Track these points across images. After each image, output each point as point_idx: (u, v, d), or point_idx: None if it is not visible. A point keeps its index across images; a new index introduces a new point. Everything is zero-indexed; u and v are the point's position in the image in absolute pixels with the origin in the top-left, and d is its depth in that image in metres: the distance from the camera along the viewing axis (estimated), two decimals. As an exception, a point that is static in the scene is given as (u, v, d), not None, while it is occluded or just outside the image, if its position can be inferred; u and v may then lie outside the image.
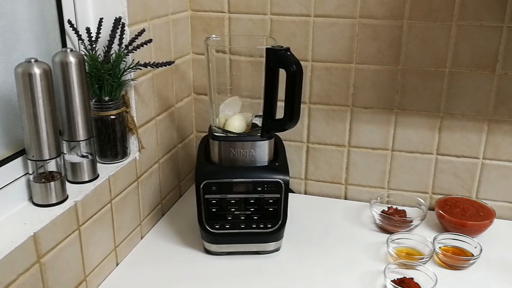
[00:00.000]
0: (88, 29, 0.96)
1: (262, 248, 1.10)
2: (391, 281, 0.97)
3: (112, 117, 1.01)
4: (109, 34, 0.98)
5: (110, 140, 1.03)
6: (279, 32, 1.26)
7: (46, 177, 0.88)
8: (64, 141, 0.94)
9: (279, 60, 0.98)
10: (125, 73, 1.01)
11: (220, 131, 1.09)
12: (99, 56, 0.99)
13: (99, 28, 0.97)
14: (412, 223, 1.17)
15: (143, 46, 1.01)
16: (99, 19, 0.98)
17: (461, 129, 1.22)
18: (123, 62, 1.00)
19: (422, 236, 1.11)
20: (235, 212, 1.06)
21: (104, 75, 0.97)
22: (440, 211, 1.18)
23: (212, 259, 1.09)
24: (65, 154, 0.95)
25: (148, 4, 1.09)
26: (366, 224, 1.24)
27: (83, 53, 0.96)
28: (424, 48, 1.18)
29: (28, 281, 0.78)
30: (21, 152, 0.88)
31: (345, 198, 1.37)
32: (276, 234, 1.08)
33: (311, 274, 1.05)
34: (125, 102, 1.05)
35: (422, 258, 1.06)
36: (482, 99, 1.19)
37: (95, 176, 0.97)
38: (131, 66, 1.01)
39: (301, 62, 0.97)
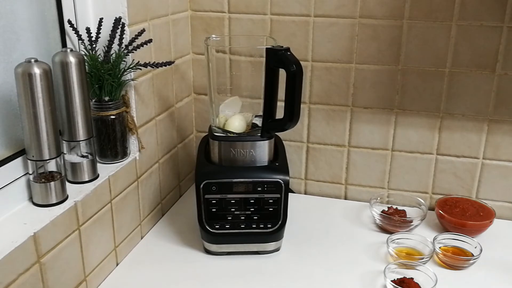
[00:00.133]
0: (88, 29, 0.96)
1: (262, 248, 1.10)
2: (391, 281, 0.97)
3: (112, 117, 1.01)
4: (109, 34, 0.98)
5: (110, 140, 1.03)
6: (279, 32, 1.26)
7: (46, 177, 0.88)
8: (64, 141, 0.94)
9: (279, 60, 0.98)
10: (125, 73, 1.01)
11: (220, 131, 1.09)
12: (99, 56, 0.98)
13: (99, 28, 0.97)
14: (412, 223, 1.17)
15: (143, 46, 1.01)
16: (99, 19, 0.98)
17: (461, 129, 1.22)
18: (123, 62, 1.00)
19: (422, 236, 1.11)
20: (235, 212, 1.06)
21: (104, 75, 0.97)
22: (440, 211, 1.18)
23: (212, 259, 1.09)
24: (65, 154, 0.95)
25: (148, 4, 1.09)
26: (366, 224, 1.24)
27: (83, 53, 0.96)
28: (424, 48, 1.18)
29: (28, 281, 0.78)
30: (21, 152, 0.88)
31: (345, 198, 1.37)
32: (276, 234, 1.08)
33: (311, 274, 1.05)
34: (125, 102, 1.05)
35: (422, 258, 1.06)
36: (482, 99, 1.19)
37: (95, 176, 0.97)
38: (131, 66, 1.01)
39: (301, 62, 0.97)
